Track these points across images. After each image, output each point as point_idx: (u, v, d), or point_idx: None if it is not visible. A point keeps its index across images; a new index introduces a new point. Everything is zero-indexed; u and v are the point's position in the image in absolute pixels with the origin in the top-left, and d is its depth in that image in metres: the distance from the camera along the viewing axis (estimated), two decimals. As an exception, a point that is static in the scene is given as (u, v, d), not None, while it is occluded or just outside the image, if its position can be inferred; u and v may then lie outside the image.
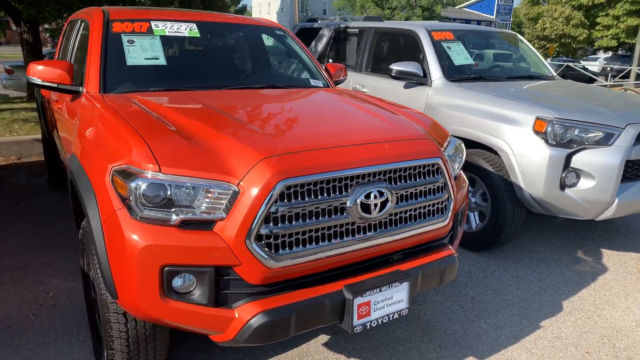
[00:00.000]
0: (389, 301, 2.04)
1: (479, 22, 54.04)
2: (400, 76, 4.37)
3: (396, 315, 2.09)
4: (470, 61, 4.53)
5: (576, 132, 3.34)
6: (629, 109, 3.64)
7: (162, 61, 2.98)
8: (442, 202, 2.25)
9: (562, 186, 3.38)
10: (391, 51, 5.10)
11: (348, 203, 1.91)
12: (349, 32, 5.69)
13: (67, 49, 3.84)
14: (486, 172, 3.66)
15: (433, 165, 2.18)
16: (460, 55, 4.44)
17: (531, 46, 5.20)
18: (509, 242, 3.90)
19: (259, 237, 1.77)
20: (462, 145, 2.61)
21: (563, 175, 3.35)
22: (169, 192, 1.79)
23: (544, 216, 4.10)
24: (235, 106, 2.54)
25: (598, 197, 3.34)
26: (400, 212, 2.08)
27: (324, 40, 5.96)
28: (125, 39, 2.98)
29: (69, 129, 2.95)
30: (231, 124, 2.17)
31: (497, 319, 3.04)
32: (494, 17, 65.06)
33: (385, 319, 2.05)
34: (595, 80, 17.91)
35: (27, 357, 2.54)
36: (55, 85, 2.76)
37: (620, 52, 24.40)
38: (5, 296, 3.08)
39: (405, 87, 4.51)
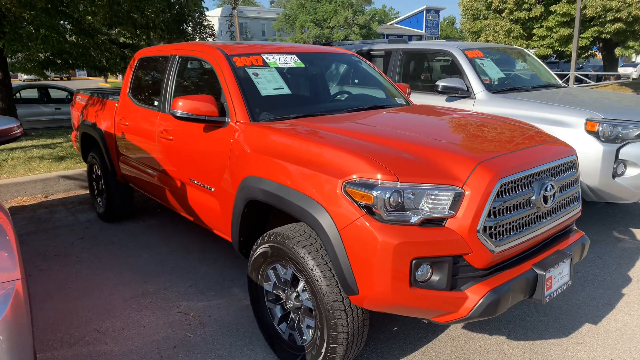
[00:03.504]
0: (561, 275, 2.48)
1: (410, 37, 56.97)
2: (445, 91, 4.89)
3: (564, 287, 2.53)
4: (502, 75, 5.15)
5: (620, 129, 3.99)
6: (652, 107, 4.36)
7: (286, 90, 3.29)
8: (577, 192, 2.74)
9: (614, 175, 4.00)
10: (423, 69, 5.63)
11: (534, 196, 2.34)
12: (374, 54, 6.18)
13: (155, 83, 4.01)
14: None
15: (572, 162, 2.67)
16: (493, 70, 5.04)
17: (537, 59, 5.93)
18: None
19: (484, 228, 2.16)
20: None
21: (614, 166, 3.98)
22: (404, 197, 2.13)
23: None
24: (392, 125, 2.92)
25: (643, 182, 3.99)
26: (560, 201, 2.54)
27: (346, 63, 6.40)
28: (250, 71, 3.27)
29: (206, 157, 3.18)
30: (417, 139, 2.53)
31: (586, 292, 3.55)
32: (423, 31, 68.87)
33: (559, 290, 2.48)
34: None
35: (213, 369, 2.73)
36: (204, 117, 3.00)
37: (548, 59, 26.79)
38: (149, 321, 3.22)
39: (448, 100, 5.04)
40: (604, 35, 18.80)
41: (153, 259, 4.24)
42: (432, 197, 2.15)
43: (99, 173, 5.10)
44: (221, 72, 3.22)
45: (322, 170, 2.32)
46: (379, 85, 3.97)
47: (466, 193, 2.15)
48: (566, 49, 20.16)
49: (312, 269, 2.34)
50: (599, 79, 24.99)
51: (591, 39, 19.63)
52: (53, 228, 5.08)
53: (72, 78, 46.45)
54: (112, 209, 5.02)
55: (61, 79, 41.95)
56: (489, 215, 2.17)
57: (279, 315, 2.75)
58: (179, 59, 3.78)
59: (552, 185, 2.41)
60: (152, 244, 4.58)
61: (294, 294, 2.60)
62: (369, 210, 2.14)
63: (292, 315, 2.69)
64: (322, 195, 2.28)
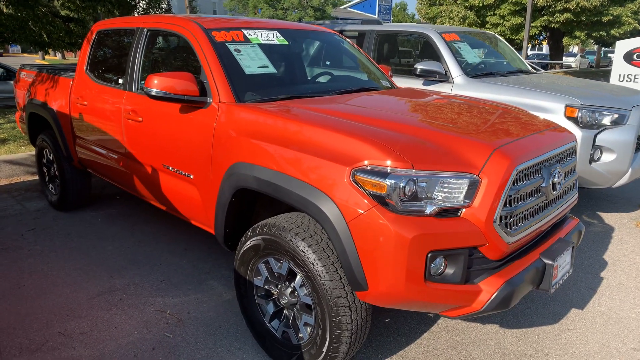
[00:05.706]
0: (564, 264, 2.43)
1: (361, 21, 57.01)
2: (424, 74, 4.78)
3: (566, 276, 2.48)
4: (478, 59, 5.10)
5: (597, 116, 4.03)
6: (626, 94, 4.44)
7: (272, 69, 3.04)
8: (575, 180, 2.70)
9: (590, 161, 4.05)
10: (398, 51, 5.49)
11: (544, 183, 2.26)
12: (346, 34, 5.97)
13: (119, 59, 3.64)
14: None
15: (574, 147, 2.61)
16: (470, 54, 4.97)
17: (509, 45, 5.94)
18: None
19: (499, 218, 2.05)
20: None
21: (592, 152, 4.02)
22: (419, 186, 1.98)
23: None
24: (391, 108, 2.75)
25: (617, 167, 4.06)
26: (564, 188, 2.48)
27: (316, 43, 6.16)
28: (231, 47, 2.99)
29: (184, 141, 2.90)
30: (425, 124, 2.38)
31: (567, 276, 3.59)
32: (376, 16, 69.19)
33: (562, 279, 2.43)
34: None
35: (199, 373, 2.51)
36: (183, 97, 2.72)
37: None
38: (121, 320, 2.93)
39: (425, 84, 4.94)
40: (552, 25, 19.46)
41: (117, 251, 3.90)
42: (446, 185, 2.01)
43: (52, 157, 4.64)
44: (200, 47, 2.92)
45: (327, 157, 2.12)
46: (364, 66, 3.79)
47: (482, 181, 2.02)
48: (517, 37, 20.72)
49: (313, 263, 2.16)
50: (544, 67, 26.00)
51: (540, 29, 20.28)
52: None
53: (4, 54, 43.24)
54: (67, 197, 4.59)
55: (-8, 55, 38.97)
56: (504, 204, 2.06)
57: (271, 312, 2.55)
58: (147, 33, 3.42)
59: (559, 172, 2.34)
60: (114, 234, 4.22)
61: (289, 290, 2.41)
62: (381, 200, 1.97)
63: (286, 311, 2.50)
64: (328, 183, 2.08)
